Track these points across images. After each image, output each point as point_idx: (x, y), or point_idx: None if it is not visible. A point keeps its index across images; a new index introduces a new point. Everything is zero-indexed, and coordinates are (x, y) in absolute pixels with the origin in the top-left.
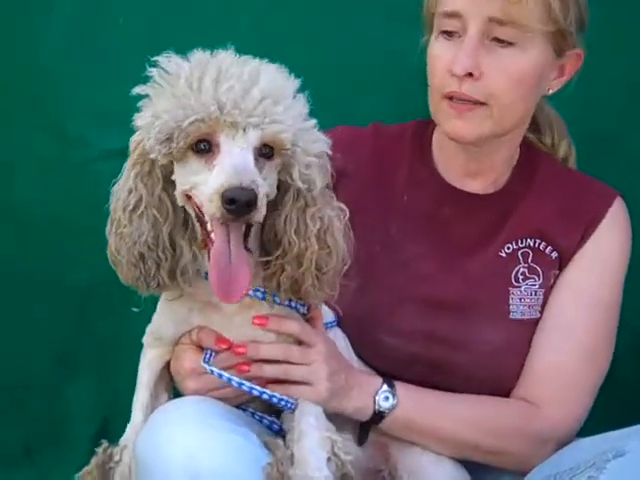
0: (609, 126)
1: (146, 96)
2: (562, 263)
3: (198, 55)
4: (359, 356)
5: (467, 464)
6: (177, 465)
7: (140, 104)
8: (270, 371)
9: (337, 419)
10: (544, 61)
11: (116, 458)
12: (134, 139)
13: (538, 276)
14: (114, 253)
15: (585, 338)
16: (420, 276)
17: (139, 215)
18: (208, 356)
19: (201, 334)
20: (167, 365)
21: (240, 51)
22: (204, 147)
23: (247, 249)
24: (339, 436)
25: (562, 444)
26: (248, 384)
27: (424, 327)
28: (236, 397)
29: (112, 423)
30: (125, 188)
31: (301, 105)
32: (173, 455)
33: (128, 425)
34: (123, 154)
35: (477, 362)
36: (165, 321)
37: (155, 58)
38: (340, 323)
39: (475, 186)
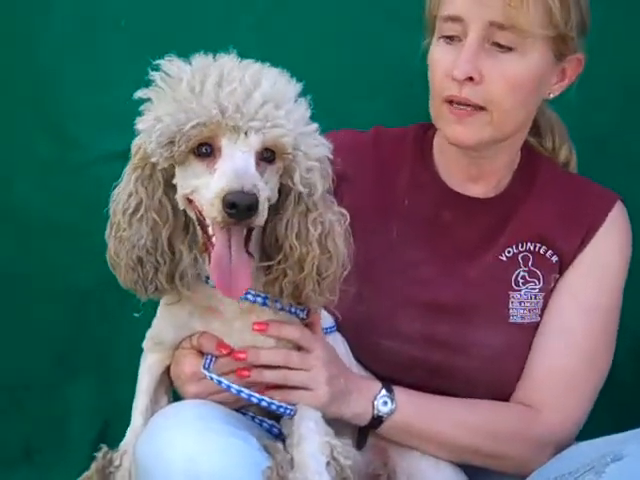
0: (609, 130)
1: (148, 99)
2: (562, 267)
3: (200, 59)
4: (359, 360)
5: (466, 468)
6: (177, 469)
7: (141, 107)
8: (270, 376)
9: (336, 423)
10: (544, 66)
11: (116, 463)
12: (135, 142)
13: (538, 280)
14: (113, 256)
15: (585, 342)
16: (420, 280)
17: (139, 219)
18: (208, 361)
19: (202, 339)
20: (167, 370)
21: (241, 54)
22: (205, 151)
23: (248, 253)
24: (338, 440)
25: (561, 448)
26: (247, 391)
27: (424, 331)
28: (236, 401)
29: (112, 423)
30: (125, 191)
31: (302, 109)
32: (173, 459)
33: (128, 429)
34: (123, 157)
35: (477, 366)
36: (165, 326)
37: (157, 61)
38: (340, 327)
39: (476, 190)
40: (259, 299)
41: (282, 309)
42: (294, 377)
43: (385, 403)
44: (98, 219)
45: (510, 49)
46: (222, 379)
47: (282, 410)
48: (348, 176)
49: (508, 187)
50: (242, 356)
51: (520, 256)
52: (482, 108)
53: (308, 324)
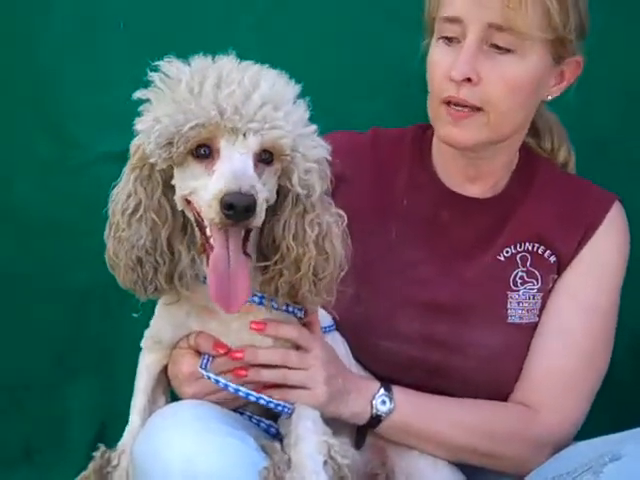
0: (609, 132)
1: (147, 100)
2: (560, 267)
3: (199, 60)
4: (358, 360)
5: (464, 467)
6: (175, 469)
7: (140, 108)
8: (268, 376)
9: (334, 423)
10: (543, 68)
11: (114, 462)
12: (134, 143)
13: (536, 280)
14: (112, 257)
15: (583, 342)
16: (419, 280)
17: (138, 219)
18: (205, 361)
19: (199, 339)
20: (165, 369)
21: (241, 54)
22: (204, 152)
23: (246, 254)
24: (336, 440)
25: (559, 448)
26: (244, 390)
27: (422, 331)
28: (233, 401)
29: (112, 423)
30: (124, 192)
31: (301, 111)
32: (171, 459)
33: (126, 429)
34: (123, 157)
35: (475, 366)
36: (163, 325)
37: (156, 62)
38: (338, 328)
39: (474, 190)
40: (255, 298)
41: (277, 309)
42: (292, 376)
43: (384, 402)
44: (98, 219)
45: (509, 51)
46: (219, 378)
47: (280, 408)
48: (346, 177)
49: (506, 188)
50: (239, 355)
51: (518, 256)
52: (479, 109)
53: (306, 324)
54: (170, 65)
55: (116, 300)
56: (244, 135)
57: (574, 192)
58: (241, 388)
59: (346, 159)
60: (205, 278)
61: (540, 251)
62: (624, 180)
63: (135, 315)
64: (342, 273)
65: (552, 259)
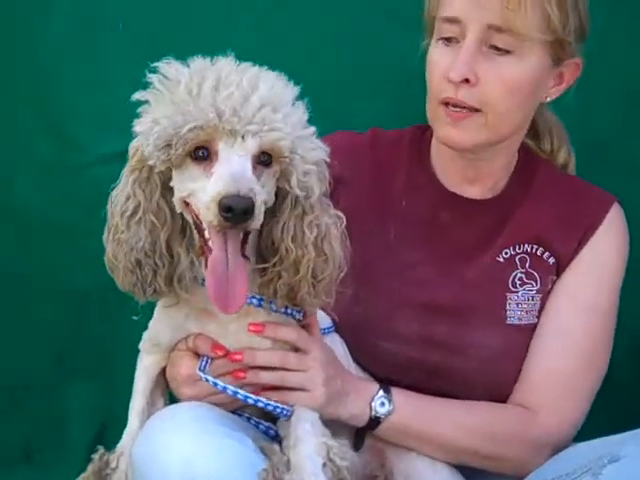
0: (610, 134)
1: (146, 101)
2: (559, 269)
3: (198, 62)
4: (357, 361)
5: (463, 469)
6: (173, 471)
7: (140, 109)
8: (266, 378)
9: (333, 425)
10: (541, 70)
11: (112, 465)
12: (133, 145)
13: (535, 281)
14: (111, 259)
15: (583, 343)
16: (418, 281)
17: (137, 221)
18: (204, 363)
19: (197, 341)
20: (163, 371)
21: (241, 54)
22: (202, 154)
23: (244, 256)
24: (335, 442)
25: (558, 449)
26: (243, 393)
27: (422, 332)
28: (232, 402)
29: (111, 423)
30: (123, 194)
31: (300, 112)
32: (169, 461)
33: (124, 431)
34: (123, 158)
35: (474, 367)
36: (162, 327)
37: (155, 64)
38: (337, 329)
39: (473, 192)
40: (254, 300)
41: (276, 311)
42: (291, 378)
43: (382, 404)
44: (98, 220)
45: (507, 52)
46: (218, 381)
47: (279, 411)
48: (345, 179)
49: (505, 189)
50: (238, 357)
51: (517, 257)
52: (478, 110)
53: (305, 325)
54: (169, 67)
55: (116, 301)
56: (242, 137)
57: (573, 193)
58: (239, 391)
59: (345, 159)
60: (204, 280)
61: (539, 253)
62: (624, 181)
63: (135, 318)
64: (341, 275)
65: (551, 260)
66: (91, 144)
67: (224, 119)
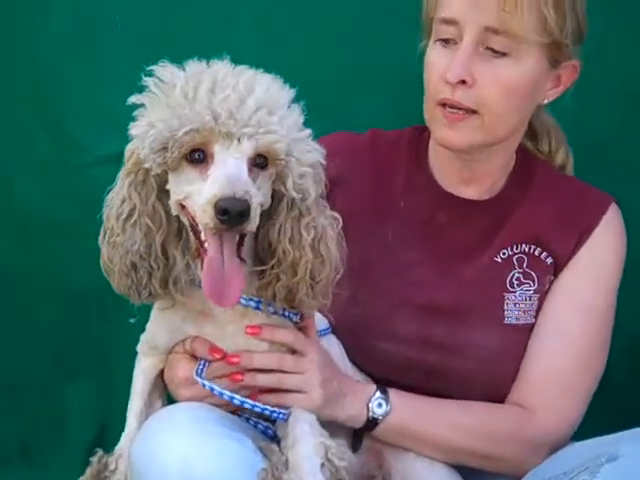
0: (608, 136)
1: (142, 105)
2: (557, 269)
3: (194, 65)
4: (354, 362)
5: (461, 469)
6: (172, 472)
7: (136, 112)
8: (264, 380)
9: (331, 426)
10: (538, 72)
11: (111, 467)
12: (128, 148)
13: (533, 281)
14: (107, 262)
15: (580, 343)
16: (416, 281)
17: (132, 224)
18: (201, 367)
19: (195, 344)
20: (161, 373)
21: (240, 54)
22: (198, 157)
23: (241, 259)
24: (333, 442)
25: (556, 449)
26: (239, 398)
27: (420, 333)
28: (230, 404)
29: (110, 423)
30: (119, 197)
31: (296, 115)
32: (168, 462)
33: (123, 433)
34: (122, 159)
35: (472, 367)
36: (159, 330)
37: (151, 67)
38: (335, 330)
39: (470, 192)
40: (252, 303)
41: (275, 313)
42: (288, 380)
43: (380, 405)
44: (98, 220)
45: (504, 55)
46: (214, 386)
47: (275, 415)
48: (342, 180)
49: (503, 189)
50: (235, 360)
51: (515, 258)
52: (474, 112)
53: (302, 328)
54: (164, 70)
55: (115, 301)
56: (238, 140)
57: (571, 194)
58: (236, 396)
59: (344, 160)
60: (200, 283)
61: (537, 253)
62: (622, 183)
63: (132, 320)
64: (338, 276)
65: (549, 260)
66: (91, 144)
67: (220, 122)
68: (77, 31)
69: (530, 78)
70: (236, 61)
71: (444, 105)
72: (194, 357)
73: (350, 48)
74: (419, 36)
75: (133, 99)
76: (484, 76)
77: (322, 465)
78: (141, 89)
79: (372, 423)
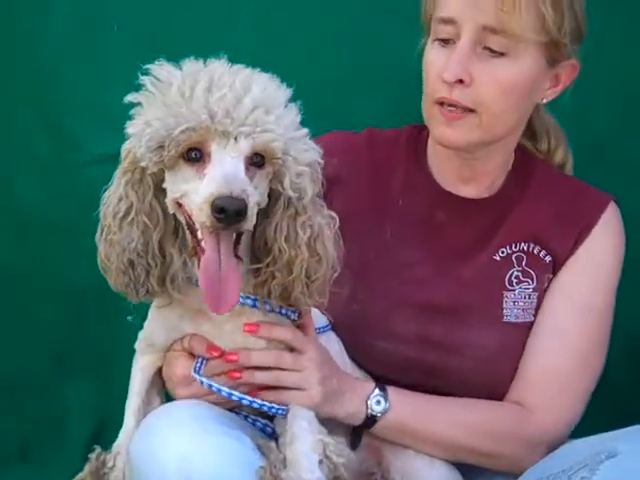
0: (607, 135)
1: (139, 103)
2: (556, 267)
3: (191, 64)
4: (353, 360)
5: (460, 466)
6: (171, 469)
7: (133, 111)
8: (262, 378)
9: (329, 423)
10: (537, 71)
11: (110, 464)
12: (125, 146)
13: (532, 280)
14: (104, 260)
15: (578, 342)
16: (415, 280)
17: (129, 222)
18: (199, 364)
19: (192, 342)
20: (159, 371)
21: (240, 53)
22: (195, 156)
23: (237, 257)
24: (331, 439)
25: (553, 448)
26: (238, 394)
27: (419, 331)
28: (228, 401)
29: (109, 423)
30: (115, 195)
31: (293, 114)
32: (167, 459)
33: (121, 431)
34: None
35: (471, 366)
36: (156, 327)
37: (147, 66)
38: (334, 328)
39: (469, 191)
40: (249, 301)
41: (272, 311)
42: (286, 378)
43: (378, 402)
44: (97, 219)
45: (502, 54)
46: (212, 383)
47: (274, 411)
48: (340, 179)
49: (502, 188)
50: (233, 358)
51: (514, 256)
52: (472, 110)
53: (300, 325)
54: (161, 69)
55: (115, 300)
56: (235, 139)
57: (570, 193)
58: (234, 392)
59: (342, 159)
60: (197, 281)
61: (535, 251)
62: (621, 182)
63: (129, 318)
64: (334, 275)
65: (547, 259)
66: (91, 143)
67: (216, 120)
68: (77, 31)
69: (528, 77)
70: (236, 61)
71: (442, 104)
72: (192, 355)
73: (350, 48)
74: (419, 36)
75: (130, 98)
76: (482, 75)
77: (320, 462)
78: (139, 88)
79: (371, 420)
